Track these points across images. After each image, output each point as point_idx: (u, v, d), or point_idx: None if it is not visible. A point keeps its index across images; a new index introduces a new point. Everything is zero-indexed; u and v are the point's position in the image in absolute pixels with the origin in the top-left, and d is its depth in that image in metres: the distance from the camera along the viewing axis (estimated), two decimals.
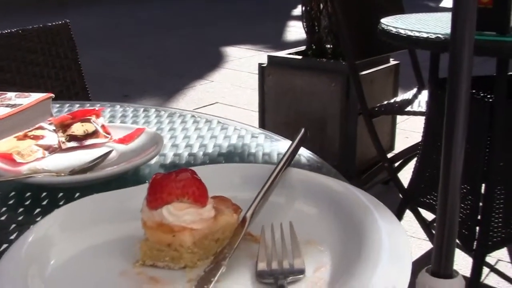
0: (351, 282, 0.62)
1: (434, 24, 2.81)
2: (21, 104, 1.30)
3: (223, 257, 0.70)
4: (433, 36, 2.47)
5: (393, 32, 2.67)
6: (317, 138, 4.01)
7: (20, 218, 0.91)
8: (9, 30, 2.18)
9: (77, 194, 0.98)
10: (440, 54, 3.19)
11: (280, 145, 1.18)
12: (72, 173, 0.99)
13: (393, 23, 2.81)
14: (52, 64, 2.31)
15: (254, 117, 4.74)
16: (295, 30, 9.80)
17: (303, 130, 0.97)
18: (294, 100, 4.10)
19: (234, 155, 1.14)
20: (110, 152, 1.08)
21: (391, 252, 0.66)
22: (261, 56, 7.68)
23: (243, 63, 7.44)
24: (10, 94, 1.39)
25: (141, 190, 0.81)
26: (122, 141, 1.15)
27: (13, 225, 0.89)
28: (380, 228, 0.69)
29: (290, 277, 0.67)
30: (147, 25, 10.38)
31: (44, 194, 0.99)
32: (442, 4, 3.35)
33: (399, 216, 3.08)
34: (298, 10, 11.71)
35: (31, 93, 1.39)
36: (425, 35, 2.51)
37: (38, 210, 0.94)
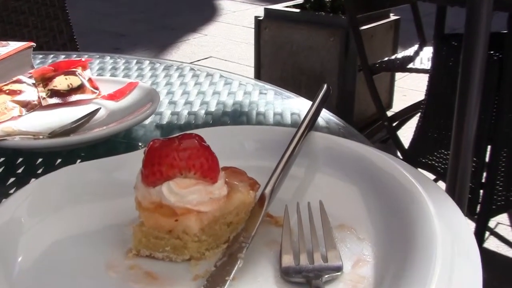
0: (408, 286, 0.48)
1: None
2: None
3: (238, 247, 0.55)
4: None
5: None
6: (314, 94, 3.89)
7: None
8: None
9: (59, 161, 0.83)
10: (446, 8, 3.05)
11: (293, 103, 1.03)
12: (53, 135, 0.84)
13: None
14: (37, 12, 2.14)
15: (249, 72, 4.61)
16: None
17: (325, 86, 0.81)
18: (291, 54, 3.97)
19: (241, 114, 0.99)
20: (97, 110, 0.92)
21: (454, 245, 0.51)
22: (256, 9, 7.49)
23: (237, 16, 7.24)
24: None
25: (134, 159, 0.65)
26: (112, 97, 1.00)
27: None
28: (435, 213, 0.55)
29: (325, 276, 0.52)
30: None
31: (20, 160, 0.84)
32: None
33: None
34: None
35: (9, 42, 1.23)
36: None
37: (12, 179, 0.79)
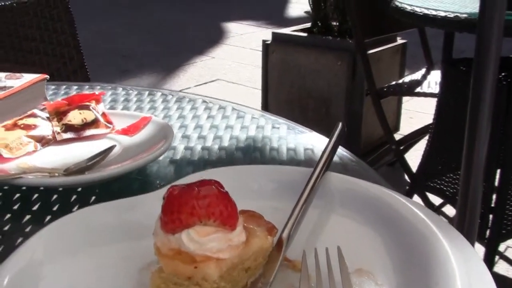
0: None
1: (451, 2, 2.67)
2: (12, 87, 1.15)
3: None
4: (452, 15, 2.33)
5: (407, 10, 2.53)
6: (321, 117, 3.91)
7: (6, 228, 0.77)
8: (2, 3, 2.03)
9: (74, 197, 0.84)
10: (454, 33, 3.06)
11: (306, 138, 1.03)
12: (68, 173, 0.84)
13: (407, 0, 2.67)
14: (48, 40, 2.16)
15: (256, 95, 4.62)
16: (297, 6, 9.62)
17: (340, 124, 0.82)
18: (298, 78, 3.99)
19: (254, 150, 0.99)
20: (112, 147, 0.92)
21: None
22: (263, 32, 7.53)
23: (244, 39, 7.27)
24: (0, 75, 1.24)
25: (151, 200, 0.66)
26: (126, 132, 1.00)
27: None
28: (454, 260, 0.55)
29: None
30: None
31: (36, 196, 0.85)
32: None
33: None
34: None
35: (23, 74, 1.24)
36: (442, 13, 2.37)
37: (28, 217, 0.79)
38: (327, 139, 1.00)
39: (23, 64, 2.13)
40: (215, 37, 7.40)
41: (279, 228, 0.63)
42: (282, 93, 4.09)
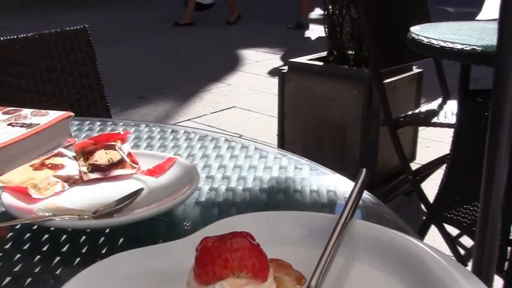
0: None
1: (467, 34, 2.69)
2: (38, 124, 1.18)
3: None
4: (468, 47, 2.35)
5: (424, 42, 2.56)
6: (337, 146, 3.92)
7: (37, 270, 0.79)
8: (25, 35, 2.06)
9: (102, 239, 0.85)
10: (470, 65, 3.08)
11: (328, 180, 1.05)
12: (97, 216, 0.86)
13: (424, 32, 2.70)
14: (69, 71, 2.19)
15: (272, 123, 4.65)
16: (312, 34, 9.69)
17: (364, 171, 0.83)
18: (314, 106, 4.01)
19: (277, 192, 1.01)
20: (141, 190, 0.93)
21: None
22: (278, 59, 7.58)
23: (260, 66, 7.32)
24: (26, 112, 1.26)
25: (182, 246, 0.68)
26: (151, 173, 1.02)
27: (29, 279, 0.76)
28: None
29: None
30: (163, 24, 10.28)
31: (65, 237, 0.87)
32: (478, 18, 3.24)
33: (424, 232, 2.97)
34: (315, 13, 11.66)
35: (48, 111, 1.26)
36: (459, 46, 2.39)
37: (57, 258, 0.81)
38: (347, 180, 1.02)
39: (43, 94, 2.16)
40: (231, 64, 7.45)
41: (307, 277, 0.64)
42: (298, 122, 4.11)
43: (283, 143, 4.16)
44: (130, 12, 10.65)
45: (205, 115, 5.37)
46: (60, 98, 2.19)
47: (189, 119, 5.24)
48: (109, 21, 10.23)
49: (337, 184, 1.02)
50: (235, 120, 5.20)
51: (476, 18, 3.39)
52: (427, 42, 2.53)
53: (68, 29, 2.16)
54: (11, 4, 11.98)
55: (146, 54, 7.97)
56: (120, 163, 1.04)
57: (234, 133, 4.82)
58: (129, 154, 1.07)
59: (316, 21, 10.71)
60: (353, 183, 0.83)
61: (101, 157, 1.05)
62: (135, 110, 5.47)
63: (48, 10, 11.56)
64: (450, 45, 2.42)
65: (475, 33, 2.72)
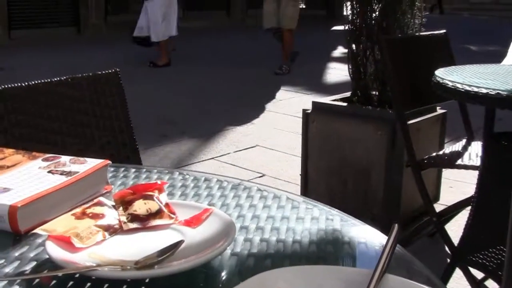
0: None
1: (493, 78, 2.72)
2: (77, 172, 1.22)
3: None
4: (493, 92, 2.37)
5: (449, 86, 2.57)
6: (360, 187, 3.93)
7: None
8: (58, 78, 2.12)
9: None
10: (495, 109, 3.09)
11: (359, 231, 1.09)
12: (138, 267, 0.90)
13: (448, 76, 2.72)
14: (100, 114, 2.24)
15: (295, 162, 4.67)
16: (335, 72, 9.76)
17: (396, 226, 0.86)
18: (338, 147, 4.03)
19: (310, 243, 1.04)
20: (181, 242, 0.97)
21: None
22: (301, 98, 7.63)
23: (283, 105, 7.37)
24: (64, 159, 1.30)
25: None
26: (188, 223, 1.06)
27: None
28: None
29: None
30: (186, 62, 10.37)
31: (106, 286, 0.90)
32: (503, 63, 3.30)
33: (448, 276, 2.96)
34: (337, 52, 11.75)
35: (86, 159, 1.31)
36: (484, 90, 2.41)
37: None
38: (377, 232, 1.05)
39: (74, 137, 2.21)
40: (254, 103, 7.49)
41: None
42: (321, 162, 4.13)
43: (306, 183, 4.18)
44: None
45: (228, 153, 5.41)
46: (91, 141, 2.23)
47: (212, 158, 5.29)
48: (130, 56, 10.32)
49: (367, 236, 1.05)
50: (258, 159, 5.24)
51: (502, 63, 3.42)
52: (452, 86, 2.55)
53: (100, 72, 2.22)
54: None
55: (168, 92, 8.04)
56: (158, 213, 1.08)
57: (258, 172, 4.85)
58: (167, 205, 1.11)
59: (338, 59, 10.78)
60: (382, 235, 0.86)
61: (140, 207, 1.08)
62: (158, 148, 5.52)
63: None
64: (475, 89, 2.44)
65: (500, 77, 2.74)
